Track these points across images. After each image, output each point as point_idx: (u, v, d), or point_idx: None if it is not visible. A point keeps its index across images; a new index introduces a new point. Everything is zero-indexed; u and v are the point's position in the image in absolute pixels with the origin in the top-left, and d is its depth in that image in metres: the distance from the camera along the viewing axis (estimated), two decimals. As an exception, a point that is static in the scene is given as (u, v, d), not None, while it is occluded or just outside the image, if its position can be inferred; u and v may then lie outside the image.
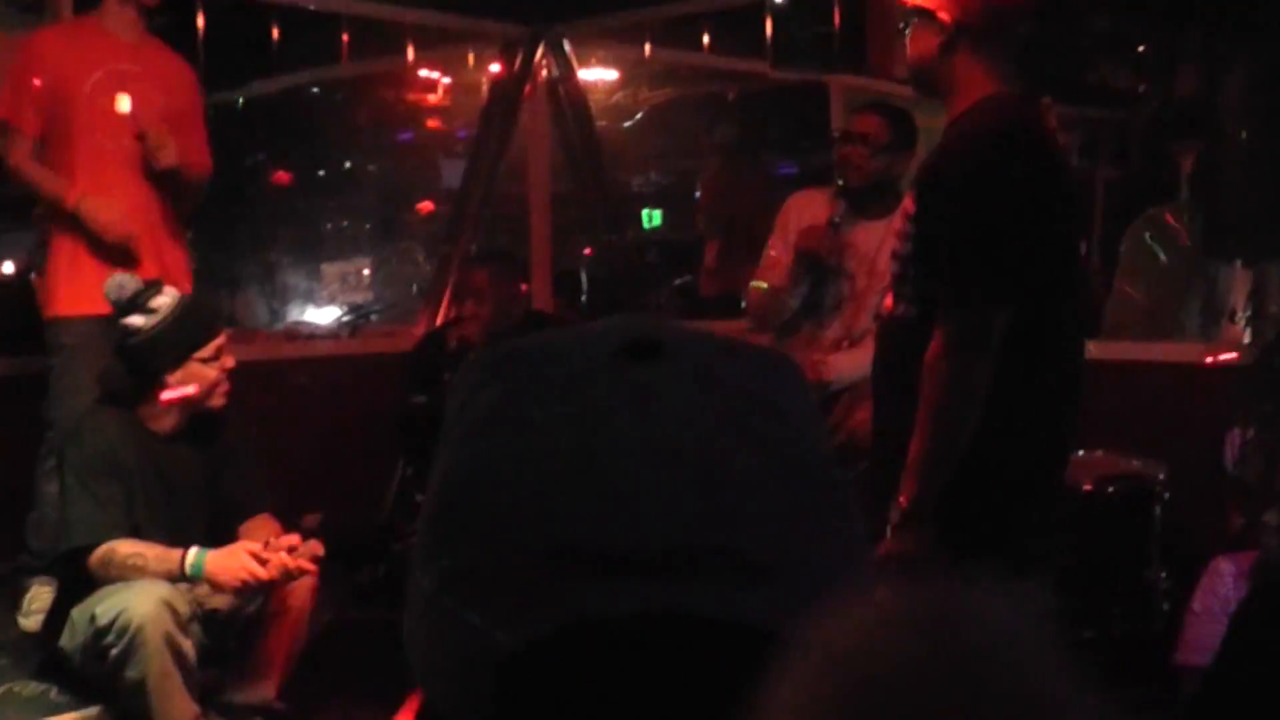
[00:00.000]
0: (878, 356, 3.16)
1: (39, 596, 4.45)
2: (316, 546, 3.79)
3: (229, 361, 4.02)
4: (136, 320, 3.92)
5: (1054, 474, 3.06)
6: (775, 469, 0.71)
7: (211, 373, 3.96)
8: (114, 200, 4.59)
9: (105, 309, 4.11)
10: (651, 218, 11.98)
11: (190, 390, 3.90)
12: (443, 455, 0.76)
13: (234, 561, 3.75)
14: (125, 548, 3.78)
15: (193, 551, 3.76)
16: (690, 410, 0.71)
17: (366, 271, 10.67)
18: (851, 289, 4.66)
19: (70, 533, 3.84)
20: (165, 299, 3.94)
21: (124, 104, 4.64)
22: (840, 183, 4.72)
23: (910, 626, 0.61)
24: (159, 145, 4.59)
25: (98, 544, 3.79)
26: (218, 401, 4.02)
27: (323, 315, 9.33)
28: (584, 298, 8.77)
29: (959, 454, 2.84)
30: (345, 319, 7.83)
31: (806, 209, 4.78)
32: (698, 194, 9.93)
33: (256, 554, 3.72)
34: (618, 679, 0.68)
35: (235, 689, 3.97)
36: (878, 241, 4.57)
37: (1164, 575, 4.57)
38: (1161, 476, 4.63)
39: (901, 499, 2.88)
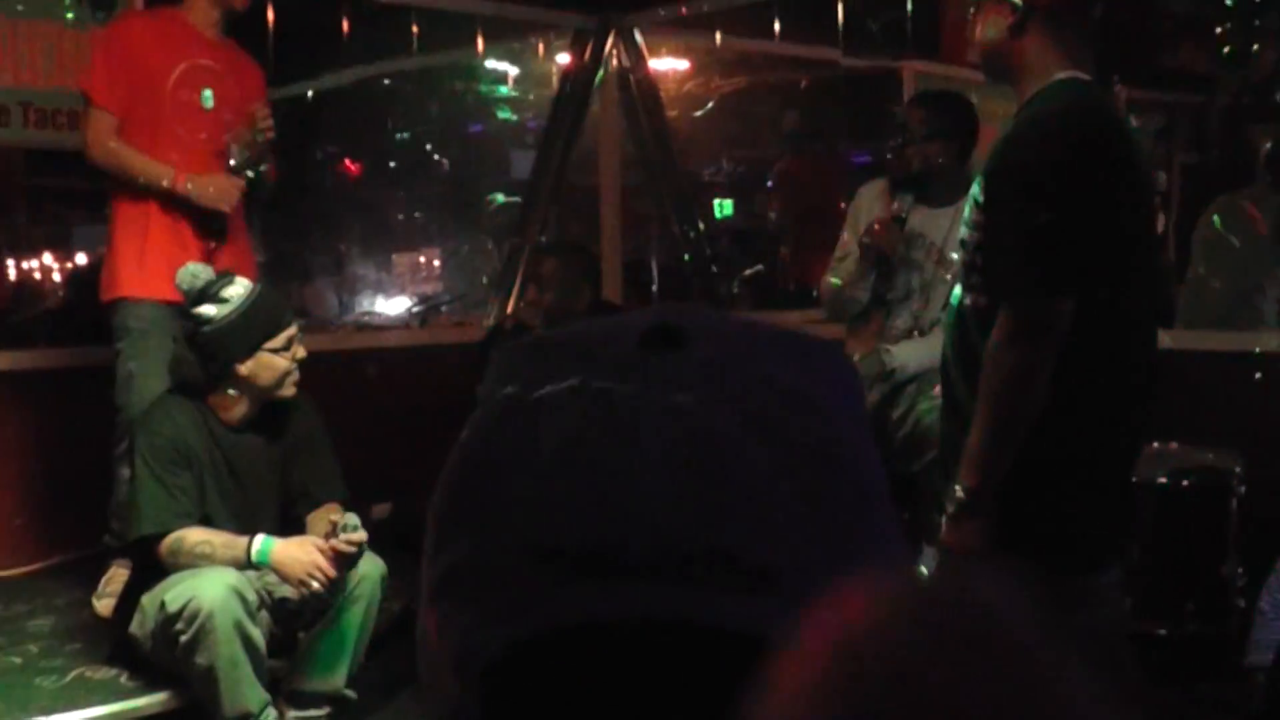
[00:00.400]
0: (947, 345, 3.11)
1: (115, 579, 4.49)
2: (356, 535, 3.82)
3: (300, 352, 4.03)
4: (208, 310, 3.95)
5: (1122, 467, 3.01)
6: (791, 466, 0.68)
7: (282, 362, 3.98)
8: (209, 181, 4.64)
9: (172, 295, 4.15)
10: (722, 207, 11.96)
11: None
12: (463, 435, 0.74)
13: (301, 553, 3.78)
14: (194, 535, 3.82)
15: (259, 538, 3.80)
16: (703, 404, 0.68)
17: (436, 262, 10.70)
18: (920, 278, 4.62)
19: (140, 521, 3.86)
20: (237, 289, 3.97)
21: (208, 100, 4.68)
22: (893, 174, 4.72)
23: (909, 611, 0.59)
24: (265, 118, 4.68)
25: (167, 532, 3.82)
26: (288, 391, 4.03)
27: (393, 306, 9.38)
28: (654, 288, 8.76)
29: (1017, 443, 2.78)
30: (415, 309, 7.85)
31: (877, 199, 4.74)
32: (770, 184, 9.91)
33: (321, 548, 3.76)
34: (609, 684, 0.65)
35: (304, 678, 3.98)
36: (945, 229, 4.53)
37: (1240, 571, 4.48)
38: (1238, 469, 4.54)
39: (958, 489, 2.84)
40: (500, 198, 9.87)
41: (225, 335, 3.94)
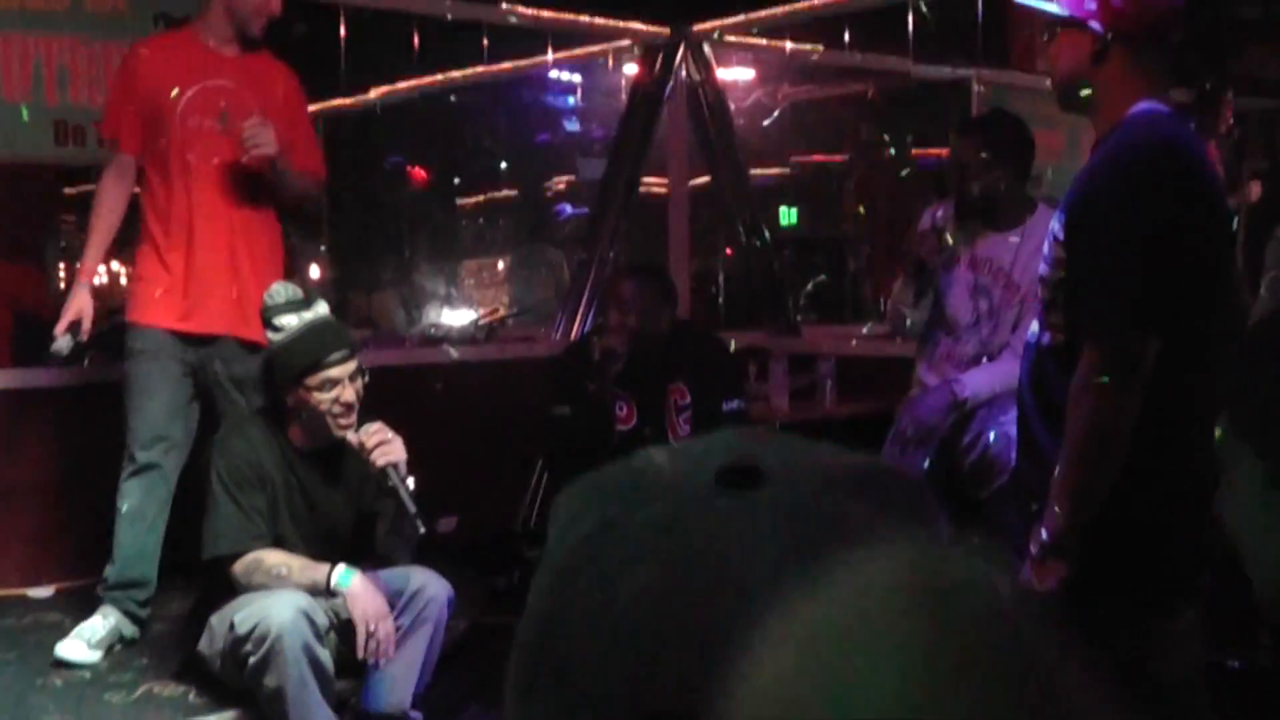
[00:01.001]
0: (1023, 382, 3.06)
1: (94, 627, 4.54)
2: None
3: (345, 394, 3.93)
4: (269, 334, 3.98)
5: (1200, 508, 2.95)
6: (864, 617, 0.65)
7: (322, 402, 3.92)
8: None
9: (167, 322, 4.36)
10: (788, 215, 11.94)
11: None
12: (533, 589, 0.71)
13: (378, 601, 3.81)
14: (273, 557, 3.84)
15: (341, 568, 3.82)
16: (780, 550, 0.65)
17: (502, 270, 10.72)
18: (989, 303, 4.56)
19: (216, 540, 3.88)
20: (291, 318, 3.96)
21: (225, 120, 4.58)
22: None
23: (908, 598, 0.58)
24: (252, 135, 4.45)
25: (243, 552, 3.84)
26: (337, 432, 3.96)
27: (459, 318, 9.40)
28: (721, 299, 8.74)
29: (1105, 484, 2.74)
30: (481, 322, 7.85)
31: (936, 213, 4.70)
32: (845, 193, 9.87)
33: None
34: None
35: (371, 699, 3.99)
36: (1011, 253, 4.48)
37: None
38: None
39: (1044, 530, 2.79)
40: (568, 209, 9.88)
41: (272, 362, 4.00)
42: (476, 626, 4.95)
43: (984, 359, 4.56)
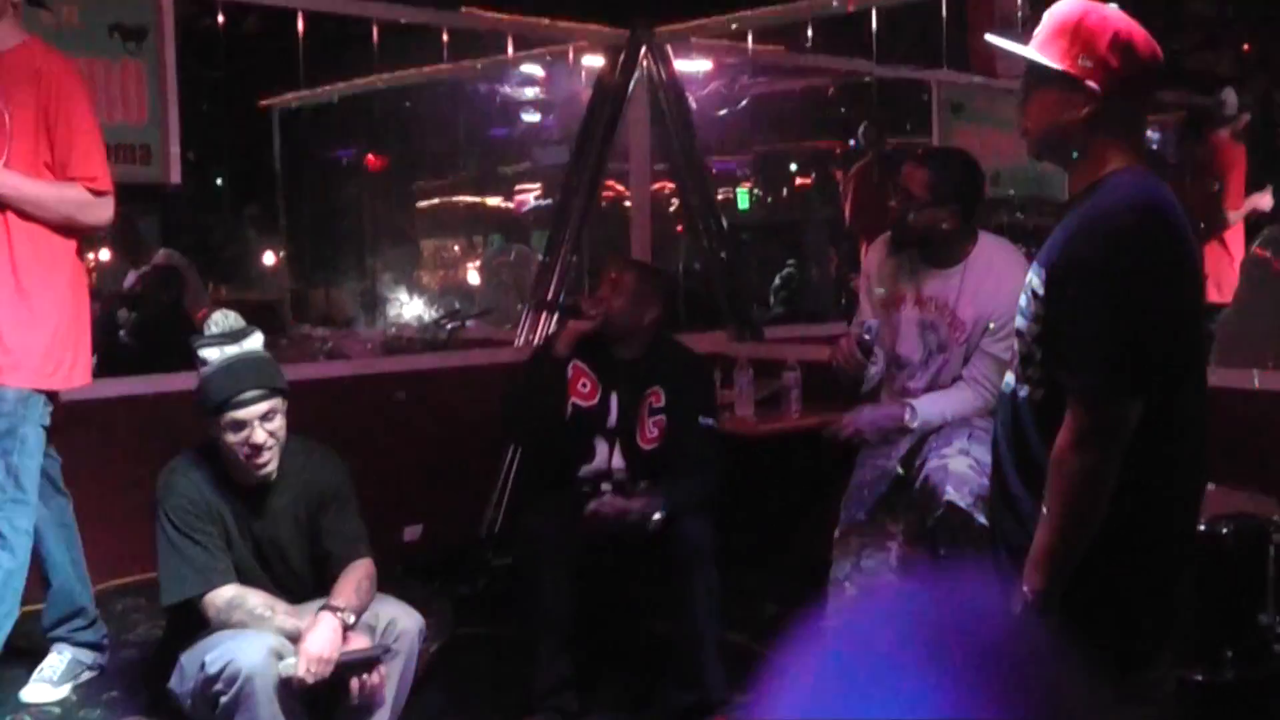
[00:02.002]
0: (1003, 437, 3.07)
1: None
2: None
3: (255, 436, 3.85)
4: (199, 366, 3.96)
5: (1176, 566, 2.98)
6: None
7: (233, 441, 3.87)
8: None
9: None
10: (741, 198, 11.97)
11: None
12: None
13: (320, 642, 3.75)
14: (255, 599, 3.82)
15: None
16: None
17: (462, 262, 10.69)
18: (938, 340, 4.59)
19: (181, 583, 3.84)
20: (214, 352, 3.91)
21: None
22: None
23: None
24: None
25: (211, 589, 3.81)
26: (257, 472, 3.91)
27: (420, 315, 9.36)
28: (682, 300, 8.72)
29: (1085, 544, 2.77)
30: (445, 323, 7.82)
31: (879, 260, 4.73)
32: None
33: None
34: None
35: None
36: (955, 290, 4.51)
37: (1278, 618, 4.46)
38: (1276, 517, 4.51)
39: (1026, 589, 2.81)
40: (498, 240, 9.86)
41: (196, 395, 3.94)
42: (446, 647, 4.94)
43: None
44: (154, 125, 5.84)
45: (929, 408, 4.53)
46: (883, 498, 4.65)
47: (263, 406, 3.89)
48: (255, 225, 10.55)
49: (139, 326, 7.91)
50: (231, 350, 3.93)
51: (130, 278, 8.34)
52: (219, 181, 11.17)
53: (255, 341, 4.01)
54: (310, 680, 3.69)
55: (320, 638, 3.73)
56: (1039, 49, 2.88)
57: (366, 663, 3.78)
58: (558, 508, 4.84)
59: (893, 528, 4.65)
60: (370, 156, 10.93)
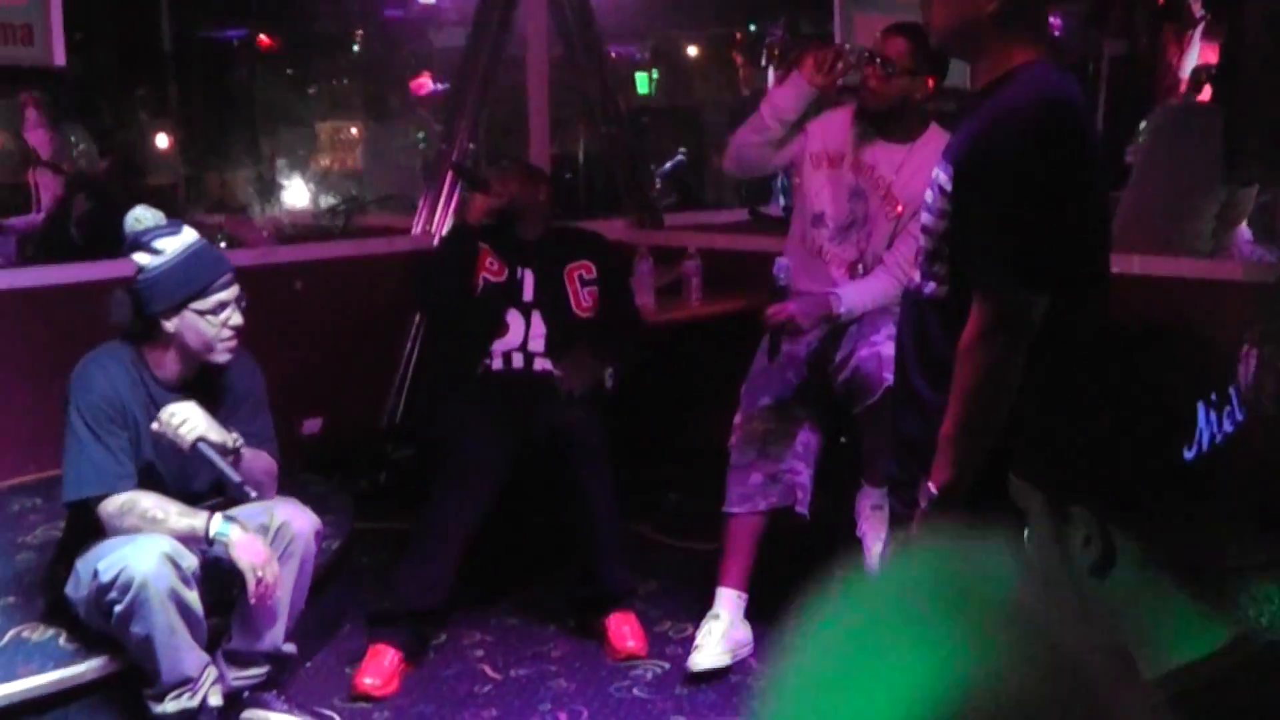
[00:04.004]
0: (907, 333, 3.07)
1: None
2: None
3: (234, 318, 3.85)
4: (141, 258, 3.81)
5: None
6: None
7: (209, 327, 3.82)
8: None
9: None
10: (641, 82, 11.87)
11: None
12: None
13: (260, 554, 3.75)
14: (147, 500, 3.74)
15: (219, 518, 3.75)
16: None
17: (358, 143, 10.49)
18: (864, 211, 4.59)
19: (80, 482, 3.76)
20: (174, 242, 3.82)
21: None
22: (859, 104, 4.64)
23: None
24: None
25: (109, 493, 3.74)
26: (218, 357, 3.87)
27: (312, 202, 9.20)
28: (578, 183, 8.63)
29: (991, 439, 2.76)
30: (340, 208, 7.69)
31: (829, 130, 4.68)
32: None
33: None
34: None
35: (243, 637, 3.94)
36: (896, 165, 4.52)
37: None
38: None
39: (931, 484, 2.82)
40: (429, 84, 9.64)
41: (153, 287, 3.81)
42: (347, 546, 4.91)
43: (859, 266, 4.59)
44: (36, 4, 5.65)
45: (854, 296, 4.52)
46: (789, 386, 4.65)
47: (236, 289, 3.88)
48: (145, 107, 10.26)
49: (91, 216, 7.64)
50: (189, 239, 3.86)
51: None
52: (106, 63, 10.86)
53: (194, 233, 3.93)
54: (166, 429, 3.69)
55: (198, 411, 3.73)
56: None
57: (220, 466, 3.73)
58: (467, 399, 4.85)
59: (800, 413, 4.66)
60: (262, 37, 10.68)
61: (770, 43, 8.45)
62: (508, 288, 5.07)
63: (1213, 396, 1.46)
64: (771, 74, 9.07)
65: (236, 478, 3.73)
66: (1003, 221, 2.75)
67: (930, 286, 2.95)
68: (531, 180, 5.25)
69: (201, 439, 3.70)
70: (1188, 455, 1.44)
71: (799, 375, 4.67)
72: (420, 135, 9.51)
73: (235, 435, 3.80)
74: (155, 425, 3.72)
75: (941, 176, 2.88)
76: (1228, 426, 1.46)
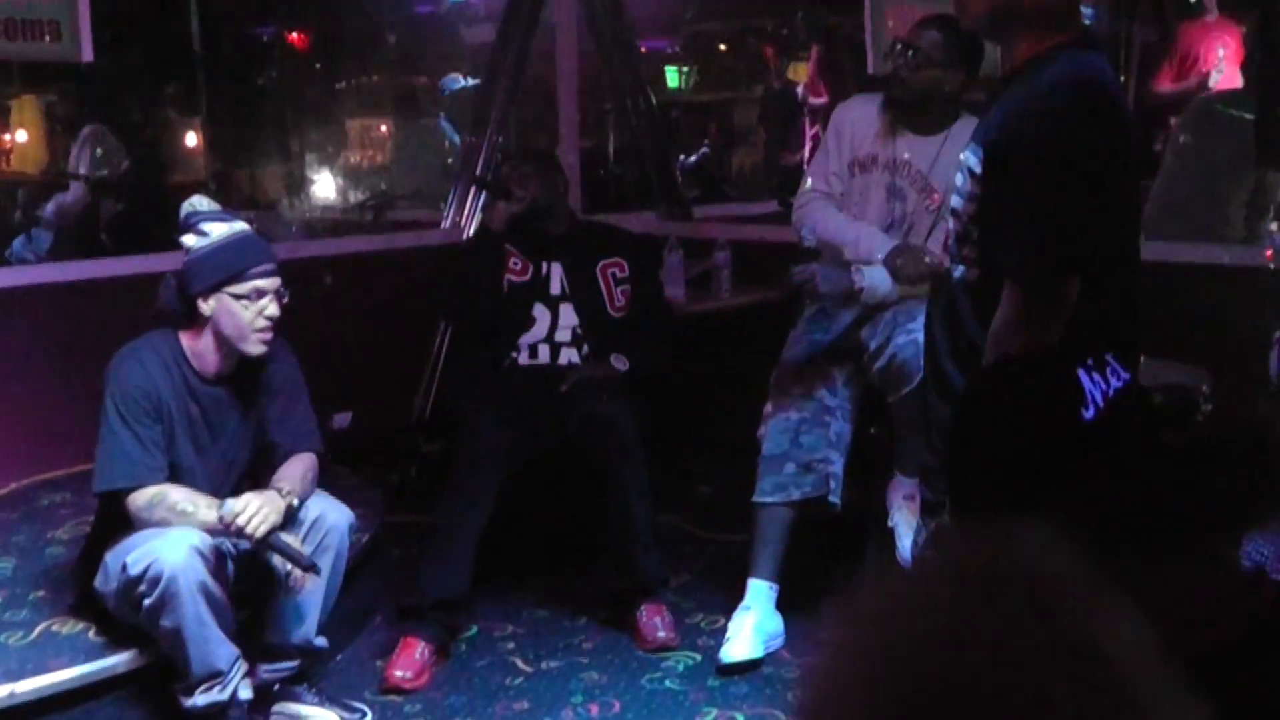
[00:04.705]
0: (938, 317, 3.04)
1: None
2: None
3: (271, 308, 3.83)
4: (189, 240, 3.83)
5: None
6: None
7: (245, 313, 3.81)
8: None
9: None
10: (671, 77, 11.87)
11: None
12: None
13: (256, 499, 3.73)
14: (177, 494, 3.74)
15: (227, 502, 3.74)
16: None
17: (388, 140, 10.49)
18: (902, 207, 4.55)
19: (112, 473, 3.77)
20: (221, 226, 3.84)
21: None
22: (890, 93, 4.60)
23: (953, 580, 0.68)
24: None
25: (139, 486, 3.73)
26: (253, 349, 3.85)
27: (344, 198, 9.21)
28: (611, 181, 8.62)
29: None
30: (369, 204, 7.69)
31: (858, 119, 4.65)
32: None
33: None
34: None
35: (274, 630, 3.94)
36: (930, 159, 4.47)
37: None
38: (1205, 388, 4.53)
39: None
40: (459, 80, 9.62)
41: (195, 267, 3.83)
42: (378, 538, 4.90)
43: None
44: (64, 0, 5.65)
45: (878, 277, 4.47)
46: (818, 345, 4.64)
47: (277, 281, 3.88)
48: (174, 105, 10.28)
49: (122, 219, 7.65)
50: (237, 225, 3.89)
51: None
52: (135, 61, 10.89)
53: (238, 224, 3.94)
54: (235, 526, 3.66)
55: (267, 503, 3.71)
56: None
57: (289, 558, 3.72)
58: (484, 391, 4.84)
59: (836, 371, 4.64)
60: (293, 34, 10.70)
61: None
62: (533, 284, 5.06)
63: (1089, 361, 1.60)
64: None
65: (305, 561, 3.75)
66: (1038, 203, 2.72)
67: (960, 270, 2.92)
68: (548, 174, 5.20)
69: (274, 540, 3.72)
70: (1087, 416, 1.55)
71: (831, 338, 4.65)
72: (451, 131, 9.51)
73: (311, 557, 3.81)
74: (220, 513, 3.69)
75: (971, 159, 2.85)
76: (1115, 384, 1.57)
